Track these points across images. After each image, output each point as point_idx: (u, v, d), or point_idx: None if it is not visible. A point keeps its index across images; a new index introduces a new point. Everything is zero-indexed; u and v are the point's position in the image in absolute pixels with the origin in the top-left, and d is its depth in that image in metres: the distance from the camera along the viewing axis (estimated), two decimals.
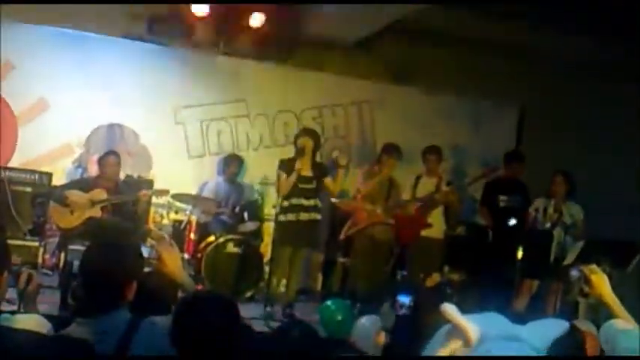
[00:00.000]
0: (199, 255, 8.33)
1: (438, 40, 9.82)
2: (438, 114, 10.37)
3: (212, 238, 8.44)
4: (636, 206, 9.35)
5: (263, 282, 8.25)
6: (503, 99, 10.57)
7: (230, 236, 8.42)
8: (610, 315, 3.13)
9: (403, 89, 10.36)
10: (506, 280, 7.87)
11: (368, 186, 8.42)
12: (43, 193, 8.27)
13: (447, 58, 9.98)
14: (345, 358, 3.99)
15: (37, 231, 8.18)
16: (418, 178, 8.68)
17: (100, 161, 8.38)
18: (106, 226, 7.90)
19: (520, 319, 1.47)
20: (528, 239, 7.94)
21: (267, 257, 8.45)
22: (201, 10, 8.87)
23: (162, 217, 8.86)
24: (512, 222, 8.07)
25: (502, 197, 8.83)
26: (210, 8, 8.89)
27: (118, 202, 8.18)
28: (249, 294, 8.27)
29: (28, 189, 8.30)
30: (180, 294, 3.46)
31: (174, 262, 3.37)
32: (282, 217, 7.70)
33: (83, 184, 8.27)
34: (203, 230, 8.73)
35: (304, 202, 7.78)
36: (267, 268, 8.18)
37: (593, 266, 3.27)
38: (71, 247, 7.71)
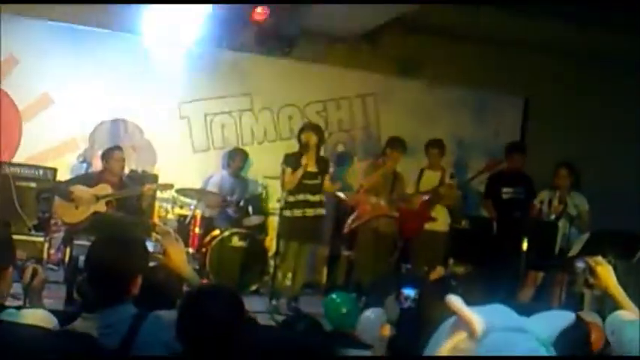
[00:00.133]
0: (204, 249, 8.34)
1: (443, 32, 9.80)
2: (442, 107, 10.35)
3: (217, 232, 8.46)
4: None
5: (268, 276, 8.27)
6: (507, 91, 10.54)
7: (235, 230, 8.44)
8: (615, 306, 3.13)
9: (408, 82, 10.34)
10: (511, 272, 7.87)
11: (370, 180, 8.42)
12: (47, 188, 8.28)
13: (451, 50, 9.95)
14: (351, 357, 4.00)
15: (42, 226, 8.19)
16: (422, 171, 8.70)
17: (105, 156, 8.38)
18: (110, 221, 7.91)
19: (525, 310, 1.46)
20: (533, 231, 7.95)
21: (271, 251, 8.47)
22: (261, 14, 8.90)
23: (166, 211, 8.86)
24: (516, 214, 8.08)
25: (506, 189, 8.83)
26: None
27: (123, 197, 8.20)
28: (253, 287, 8.29)
29: (33, 184, 8.30)
30: (185, 288, 3.47)
31: (179, 257, 3.37)
32: (288, 213, 7.71)
33: (88, 179, 8.28)
34: (208, 224, 8.74)
35: (310, 197, 7.80)
36: (271, 262, 8.19)
37: (599, 258, 3.26)
38: (76, 242, 7.71)
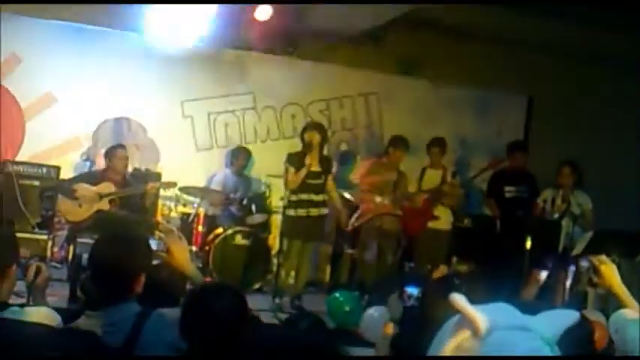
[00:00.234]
0: (207, 247, 8.35)
1: (446, 31, 9.79)
2: (445, 106, 10.35)
3: (220, 230, 8.46)
4: None
5: (271, 274, 8.26)
6: (511, 90, 10.54)
7: (238, 228, 8.44)
8: (619, 305, 3.13)
9: (411, 81, 10.33)
10: (514, 270, 7.87)
11: (370, 180, 8.44)
12: (51, 186, 8.28)
13: (454, 49, 9.94)
14: (355, 357, 3.99)
15: (46, 224, 8.19)
16: (424, 170, 8.71)
17: (108, 154, 8.39)
18: (114, 219, 7.92)
19: (529, 309, 1.46)
20: (537, 230, 7.94)
21: (275, 249, 8.47)
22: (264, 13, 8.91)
23: (170, 209, 8.87)
24: (519, 213, 8.08)
25: (508, 188, 8.84)
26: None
27: (126, 195, 8.21)
28: (257, 286, 8.29)
29: (36, 183, 8.31)
30: (188, 286, 3.47)
31: (183, 255, 3.38)
32: (291, 212, 7.71)
33: (91, 178, 8.28)
34: (211, 222, 8.75)
35: (314, 197, 7.80)
36: (275, 260, 8.20)
37: (603, 256, 3.26)
38: (80, 240, 7.72)
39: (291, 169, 7.75)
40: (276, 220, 8.60)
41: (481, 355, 1.36)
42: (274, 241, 8.72)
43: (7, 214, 7.85)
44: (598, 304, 7.24)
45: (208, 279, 7.00)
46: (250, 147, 9.57)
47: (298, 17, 9.24)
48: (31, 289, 3.45)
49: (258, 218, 8.74)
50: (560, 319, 1.43)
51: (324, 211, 7.93)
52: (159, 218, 8.71)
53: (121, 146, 8.49)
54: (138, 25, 8.88)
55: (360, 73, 10.16)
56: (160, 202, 8.89)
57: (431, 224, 8.56)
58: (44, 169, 8.44)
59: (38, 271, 3.46)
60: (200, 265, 7.86)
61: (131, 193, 8.23)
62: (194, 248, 8.26)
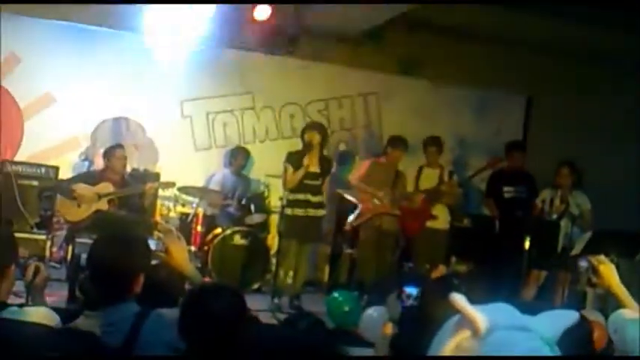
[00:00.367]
0: (206, 247, 8.35)
1: (445, 31, 9.79)
2: (444, 105, 10.35)
3: (219, 230, 8.46)
4: None
5: (270, 274, 8.26)
6: (510, 90, 10.54)
7: (237, 228, 8.44)
8: (618, 305, 3.13)
9: (410, 81, 10.33)
10: (513, 270, 7.88)
11: (357, 175, 8.47)
12: (49, 186, 8.28)
13: (453, 49, 9.94)
14: (354, 357, 3.99)
15: (44, 224, 8.19)
16: (420, 169, 8.70)
17: (107, 154, 8.39)
18: (112, 219, 7.92)
19: (528, 309, 1.46)
20: (535, 230, 7.95)
21: (273, 249, 8.47)
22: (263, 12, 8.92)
23: (168, 209, 8.87)
24: (518, 213, 8.08)
25: (507, 188, 8.84)
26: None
27: (125, 195, 8.20)
28: (256, 286, 8.29)
29: (35, 182, 8.31)
30: (187, 286, 3.47)
31: (181, 255, 3.37)
32: (288, 211, 7.71)
33: (90, 178, 8.28)
34: (210, 222, 8.75)
35: (311, 198, 7.80)
36: (274, 260, 8.20)
37: (601, 257, 3.27)
38: (78, 240, 7.72)
39: (290, 169, 7.75)
40: (275, 220, 8.60)
41: (481, 355, 1.36)
42: (273, 241, 8.73)
43: (6, 214, 7.84)
44: (597, 304, 7.24)
45: (207, 279, 7.00)
46: (249, 147, 9.57)
47: (297, 17, 9.24)
48: (30, 289, 3.45)
49: (257, 218, 8.73)
50: (560, 320, 1.43)
51: (321, 212, 7.93)
52: (158, 218, 8.71)
53: (120, 146, 8.48)
54: (136, 25, 8.87)
55: (359, 73, 10.15)
56: (159, 202, 8.90)
57: (429, 224, 8.56)
58: (43, 169, 8.43)
59: (37, 271, 3.45)
60: (199, 265, 7.86)
61: (130, 193, 8.23)
62: (193, 248, 8.25)
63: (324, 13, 9.00)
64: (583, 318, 3.20)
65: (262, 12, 9.06)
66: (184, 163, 9.46)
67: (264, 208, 8.89)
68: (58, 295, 6.11)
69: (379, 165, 8.63)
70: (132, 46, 9.28)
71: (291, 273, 7.91)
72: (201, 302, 2.80)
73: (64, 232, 8.32)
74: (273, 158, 8.96)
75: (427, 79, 10.26)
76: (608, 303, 5.40)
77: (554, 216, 8.06)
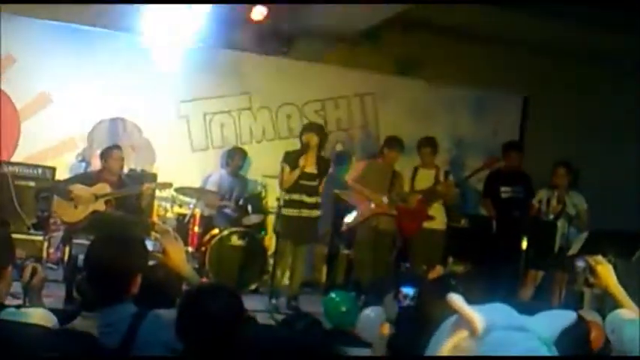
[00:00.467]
0: (203, 248, 8.34)
1: (442, 31, 9.80)
2: (441, 106, 10.36)
3: (216, 231, 8.46)
4: None
5: (267, 275, 8.26)
6: (506, 90, 10.55)
7: (234, 229, 8.44)
8: (615, 305, 3.13)
9: (407, 81, 10.34)
10: (510, 271, 7.88)
11: (356, 180, 8.47)
12: (46, 187, 8.27)
13: (450, 49, 9.95)
14: (352, 357, 3.99)
15: (41, 225, 8.18)
16: (416, 169, 8.69)
17: (104, 155, 8.38)
18: (110, 220, 7.91)
19: (526, 309, 1.46)
20: (532, 230, 7.95)
21: (271, 250, 8.47)
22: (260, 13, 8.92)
23: (166, 210, 8.86)
24: (515, 213, 8.09)
25: (504, 188, 8.84)
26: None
27: (122, 196, 8.19)
28: (253, 286, 8.29)
29: (32, 183, 8.30)
30: (184, 287, 3.47)
31: (179, 256, 3.37)
32: (284, 211, 7.71)
33: (87, 179, 8.27)
34: (207, 223, 8.74)
35: (305, 198, 7.78)
36: (271, 261, 8.19)
37: (599, 257, 3.27)
38: (76, 241, 7.71)
39: (287, 169, 7.75)
40: (272, 220, 8.60)
41: (478, 355, 1.36)
42: (270, 241, 8.73)
43: (3, 215, 7.83)
44: (594, 304, 7.24)
45: (204, 280, 6.99)
46: (246, 147, 9.56)
47: (294, 17, 9.24)
48: (27, 290, 3.45)
49: (254, 219, 8.73)
50: (557, 320, 1.44)
51: (316, 213, 7.90)
52: (155, 219, 8.70)
53: (117, 147, 8.48)
54: (133, 25, 8.87)
55: (356, 73, 10.16)
56: (156, 202, 8.89)
57: (426, 224, 8.55)
58: (40, 170, 8.42)
59: (34, 272, 3.45)
60: (196, 266, 7.86)
61: (127, 194, 8.22)
62: (190, 249, 8.26)
63: (321, 14, 9.00)
64: (580, 318, 3.20)
65: (259, 13, 9.06)
66: (181, 164, 9.46)
67: (261, 209, 8.89)
68: (55, 296, 6.09)
69: (376, 165, 8.62)
70: (128, 47, 9.28)
71: (287, 273, 7.91)
72: (198, 303, 2.80)
73: (61, 233, 8.30)
74: (270, 159, 8.96)
75: (424, 79, 10.27)
76: (606, 303, 5.41)
77: (551, 216, 8.06)
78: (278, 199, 7.86)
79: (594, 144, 10.01)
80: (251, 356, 2.61)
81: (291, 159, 7.77)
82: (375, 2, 8.59)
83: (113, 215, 8.02)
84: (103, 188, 8.11)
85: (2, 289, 3.28)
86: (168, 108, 9.55)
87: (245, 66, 9.80)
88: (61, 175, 8.62)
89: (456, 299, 1.39)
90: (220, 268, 8.22)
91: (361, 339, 5.28)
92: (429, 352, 1.46)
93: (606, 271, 3.20)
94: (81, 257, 6.13)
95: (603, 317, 3.55)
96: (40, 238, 8.11)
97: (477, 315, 1.37)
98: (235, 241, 8.38)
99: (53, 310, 3.27)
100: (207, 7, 8.84)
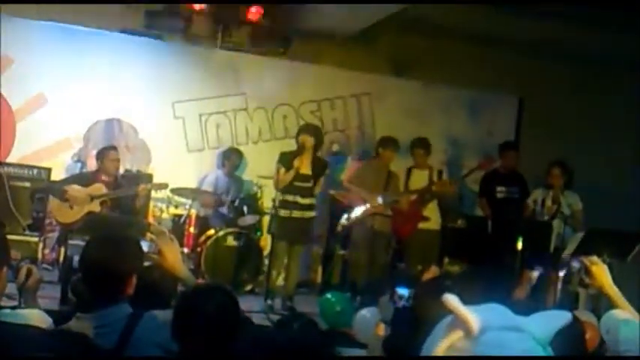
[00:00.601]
0: (199, 249, 8.34)
1: (437, 32, 9.80)
2: (437, 106, 10.36)
3: (212, 231, 8.45)
4: (635, 196, 9.36)
5: (263, 275, 8.26)
6: (502, 91, 10.56)
7: (230, 230, 8.43)
8: (610, 305, 3.14)
9: (402, 82, 10.34)
10: (506, 271, 7.89)
11: (352, 180, 8.46)
12: (42, 188, 8.26)
13: (446, 50, 9.96)
14: (347, 357, 3.99)
15: (37, 226, 8.17)
16: (409, 170, 8.69)
17: (99, 156, 8.37)
18: (105, 220, 7.90)
19: (521, 309, 1.46)
20: (527, 231, 7.95)
21: (266, 251, 8.46)
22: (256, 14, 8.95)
23: (161, 211, 8.85)
24: (510, 213, 8.09)
25: (500, 188, 8.86)
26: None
27: (118, 197, 8.18)
28: (248, 287, 8.29)
29: (27, 184, 8.29)
30: (180, 288, 3.46)
31: (174, 256, 3.36)
32: (279, 212, 7.70)
33: (82, 179, 8.26)
34: (203, 224, 8.73)
35: (300, 200, 7.77)
36: (266, 262, 8.19)
37: (594, 257, 3.27)
38: (71, 241, 7.70)
39: (282, 169, 7.74)
40: (268, 221, 8.60)
41: (474, 356, 1.36)
42: (266, 242, 8.71)
43: None
44: (589, 304, 7.26)
45: (200, 280, 6.99)
46: (242, 148, 9.56)
47: (290, 18, 9.24)
48: (22, 291, 3.44)
49: (249, 220, 8.73)
50: (552, 320, 1.44)
51: (309, 214, 7.88)
52: (150, 220, 8.69)
53: (113, 147, 8.47)
54: (129, 26, 8.86)
55: (352, 73, 10.16)
56: (152, 203, 8.88)
57: (421, 225, 8.55)
58: (35, 171, 8.42)
59: (29, 273, 3.44)
60: (192, 267, 7.86)
61: (122, 195, 8.21)
62: (186, 250, 8.24)
63: (317, 14, 9.01)
64: (575, 318, 3.21)
65: (255, 13, 9.07)
66: (177, 165, 9.45)
67: (256, 210, 8.88)
68: (50, 297, 6.08)
69: (371, 166, 8.63)
70: (124, 48, 9.28)
71: (283, 274, 7.91)
72: (194, 303, 2.80)
73: (56, 234, 8.30)
74: (265, 159, 8.95)
75: (420, 79, 10.27)
76: (601, 303, 5.42)
77: (546, 216, 8.07)
78: (273, 200, 7.86)
79: (589, 144, 10.02)
80: (247, 357, 2.61)
81: (286, 160, 7.76)
82: (372, 2, 8.58)
83: (109, 216, 8.01)
84: (99, 189, 8.10)
85: None
86: (163, 108, 9.53)
87: (241, 66, 9.79)
88: (57, 175, 8.62)
89: (451, 299, 1.39)
90: (216, 268, 8.21)
91: (356, 340, 5.27)
92: (424, 353, 1.46)
93: (601, 272, 3.21)
94: (76, 258, 6.10)
95: (598, 318, 3.55)
96: (36, 239, 8.11)
97: (472, 315, 1.37)
98: (231, 241, 8.37)
99: (48, 311, 3.27)
100: (203, 7, 8.85)
